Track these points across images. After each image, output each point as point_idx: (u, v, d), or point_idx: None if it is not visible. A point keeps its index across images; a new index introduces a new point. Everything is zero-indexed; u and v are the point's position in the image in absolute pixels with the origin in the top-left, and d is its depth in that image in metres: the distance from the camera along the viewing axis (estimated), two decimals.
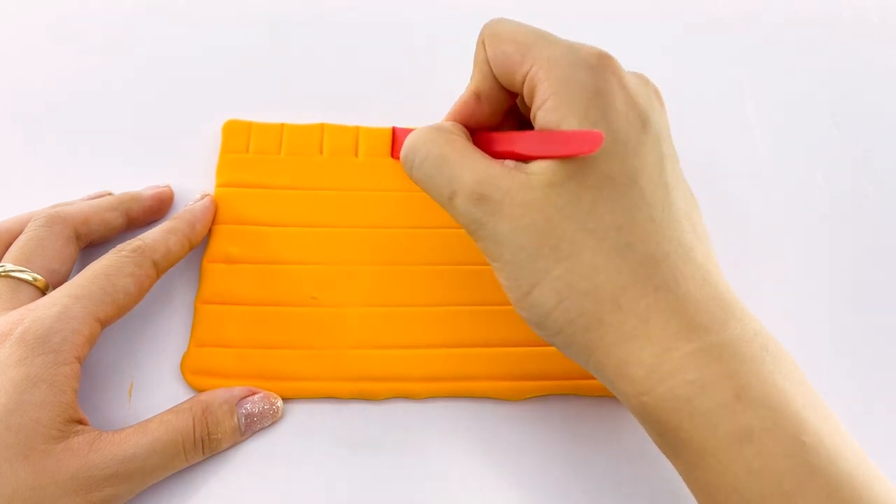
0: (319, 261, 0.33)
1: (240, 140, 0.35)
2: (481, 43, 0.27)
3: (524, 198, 0.24)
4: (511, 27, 0.26)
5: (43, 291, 0.28)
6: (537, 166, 0.24)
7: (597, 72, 0.24)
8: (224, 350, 0.30)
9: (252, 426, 0.29)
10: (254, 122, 0.36)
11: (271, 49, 0.40)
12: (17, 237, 0.29)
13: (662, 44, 0.43)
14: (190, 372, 0.30)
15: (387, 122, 0.37)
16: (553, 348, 0.31)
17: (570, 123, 0.24)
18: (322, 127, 0.36)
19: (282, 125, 0.36)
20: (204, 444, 0.27)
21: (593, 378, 0.31)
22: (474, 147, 0.26)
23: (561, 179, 0.24)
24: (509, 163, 0.25)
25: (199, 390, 0.30)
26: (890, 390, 0.33)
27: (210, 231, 0.33)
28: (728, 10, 0.44)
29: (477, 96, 0.28)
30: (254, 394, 0.29)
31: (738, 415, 0.21)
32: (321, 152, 0.35)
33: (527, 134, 0.25)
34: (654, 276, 0.23)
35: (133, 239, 0.29)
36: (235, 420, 0.28)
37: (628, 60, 0.41)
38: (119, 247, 0.29)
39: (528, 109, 0.26)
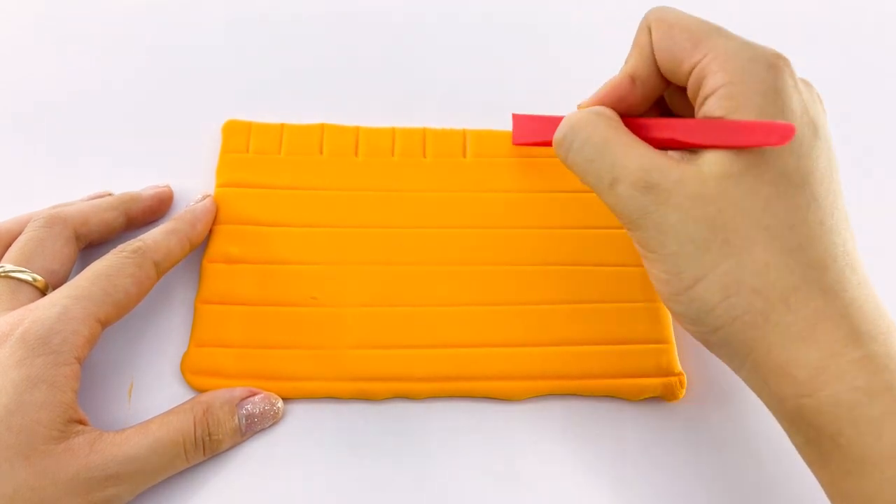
0: (319, 261, 0.33)
1: (240, 140, 0.35)
2: (646, 27, 0.27)
3: (697, 189, 0.23)
4: (681, 15, 0.26)
5: (43, 292, 0.28)
6: (711, 157, 0.24)
7: (775, 70, 0.24)
8: (224, 350, 0.30)
9: (253, 427, 0.29)
10: (254, 123, 0.36)
11: (271, 49, 0.40)
12: (16, 238, 0.29)
13: None
14: (190, 372, 0.30)
15: (387, 123, 0.37)
16: (552, 349, 0.31)
17: (746, 115, 0.23)
18: (322, 127, 0.36)
19: (282, 125, 0.36)
20: (205, 444, 0.27)
21: (593, 378, 0.31)
22: (634, 135, 0.26)
23: (738, 172, 0.23)
24: (673, 153, 0.25)
25: (200, 390, 0.30)
26: None
27: (210, 231, 0.33)
28: (728, 9, 0.44)
29: (632, 79, 0.28)
30: (254, 394, 0.29)
31: None
32: (321, 152, 0.35)
33: (694, 121, 0.25)
34: (822, 280, 0.23)
35: (134, 240, 0.29)
36: (236, 421, 0.28)
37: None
38: (119, 247, 0.29)
39: (680, 102, 0.27)
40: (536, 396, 0.31)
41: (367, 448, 0.30)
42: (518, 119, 0.36)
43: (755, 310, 0.23)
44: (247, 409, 0.29)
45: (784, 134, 0.22)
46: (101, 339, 0.28)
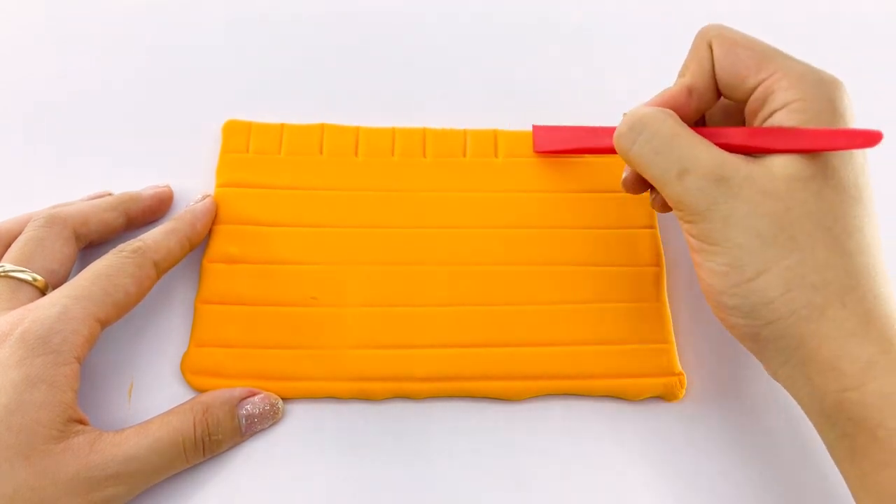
0: (319, 261, 0.33)
1: (240, 140, 0.35)
2: (706, 42, 0.28)
3: (767, 186, 0.25)
4: (742, 34, 0.28)
5: (43, 292, 0.28)
6: (781, 160, 0.25)
7: (839, 95, 0.26)
8: (224, 350, 0.30)
9: (252, 427, 0.29)
10: (254, 123, 0.36)
11: (271, 49, 0.40)
12: (16, 238, 0.29)
13: (662, 44, 0.43)
14: (190, 372, 0.30)
15: (387, 123, 0.37)
16: (554, 349, 0.31)
17: (818, 127, 0.25)
18: (322, 127, 0.36)
19: (282, 125, 0.36)
20: (205, 444, 0.28)
21: (593, 378, 0.31)
22: (696, 133, 0.27)
23: (807, 176, 0.25)
24: (739, 155, 0.26)
25: (199, 390, 0.30)
26: None
27: (210, 231, 0.33)
28: (727, 9, 0.44)
29: (689, 91, 0.29)
30: (254, 394, 0.29)
31: None
32: (321, 152, 0.35)
33: (765, 129, 0.26)
34: (874, 284, 0.24)
35: (133, 240, 0.29)
36: (236, 421, 0.28)
37: (628, 61, 0.42)
38: (119, 247, 0.29)
39: (720, 120, 0.30)
40: (536, 396, 0.31)
41: (367, 448, 0.30)
42: (538, 130, 0.37)
43: (813, 304, 0.24)
44: (247, 410, 0.29)
45: (871, 138, 0.24)
46: (101, 339, 0.28)
